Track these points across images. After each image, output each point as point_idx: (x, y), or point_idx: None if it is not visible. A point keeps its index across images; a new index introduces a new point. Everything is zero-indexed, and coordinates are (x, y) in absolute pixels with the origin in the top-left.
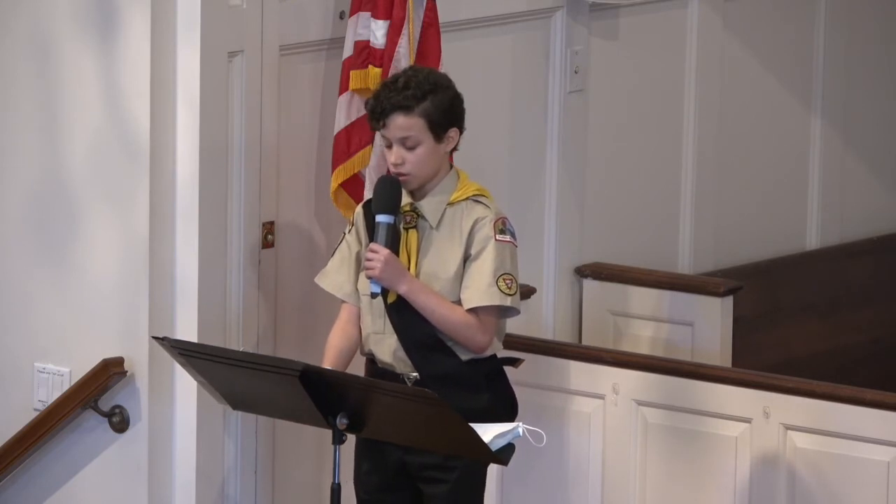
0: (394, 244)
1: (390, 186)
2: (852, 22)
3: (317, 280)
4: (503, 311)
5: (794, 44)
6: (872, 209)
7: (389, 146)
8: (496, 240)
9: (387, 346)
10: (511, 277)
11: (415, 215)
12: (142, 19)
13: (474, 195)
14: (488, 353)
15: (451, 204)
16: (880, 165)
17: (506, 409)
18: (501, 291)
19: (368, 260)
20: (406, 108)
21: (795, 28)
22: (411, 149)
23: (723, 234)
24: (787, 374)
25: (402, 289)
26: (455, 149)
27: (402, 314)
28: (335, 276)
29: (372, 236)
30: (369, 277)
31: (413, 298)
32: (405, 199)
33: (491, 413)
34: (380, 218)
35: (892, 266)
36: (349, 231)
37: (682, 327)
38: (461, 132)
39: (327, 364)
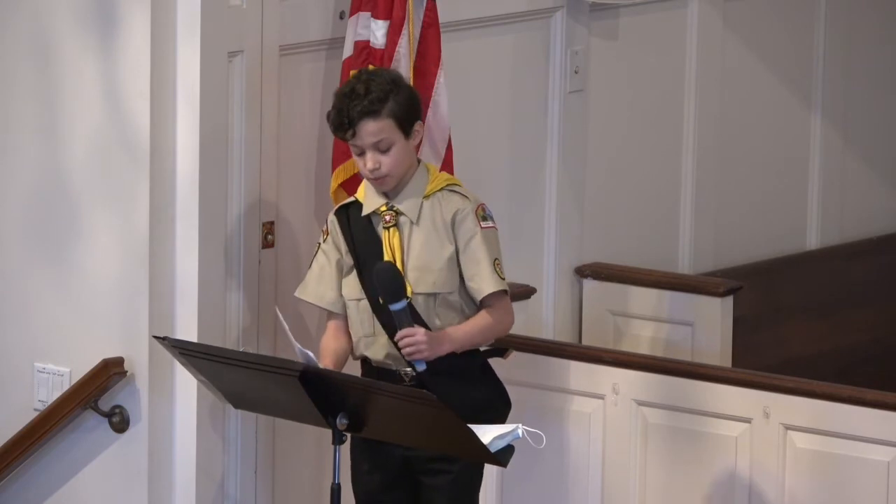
0: (414, 319)
1: (389, 274)
2: (852, 22)
3: (297, 293)
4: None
5: (794, 44)
6: (872, 209)
7: (361, 153)
8: (482, 228)
9: (379, 347)
10: (499, 261)
11: (394, 214)
12: (142, 19)
13: (448, 185)
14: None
15: (426, 197)
16: (880, 165)
17: (503, 401)
18: (499, 276)
19: (409, 346)
20: (374, 113)
21: (795, 28)
22: (385, 151)
23: (723, 234)
24: (787, 374)
25: (447, 347)
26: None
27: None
28: (315, 287)
29: (350, 241)
30: (416, 360)
31: (457, 344)
32: (381, 200)
33: (490, 405)
34: (393, 307)
35: (892, 266)
36: (324, 241)
37: (682, 327)
38: (423, 123)
39: (324, 365)
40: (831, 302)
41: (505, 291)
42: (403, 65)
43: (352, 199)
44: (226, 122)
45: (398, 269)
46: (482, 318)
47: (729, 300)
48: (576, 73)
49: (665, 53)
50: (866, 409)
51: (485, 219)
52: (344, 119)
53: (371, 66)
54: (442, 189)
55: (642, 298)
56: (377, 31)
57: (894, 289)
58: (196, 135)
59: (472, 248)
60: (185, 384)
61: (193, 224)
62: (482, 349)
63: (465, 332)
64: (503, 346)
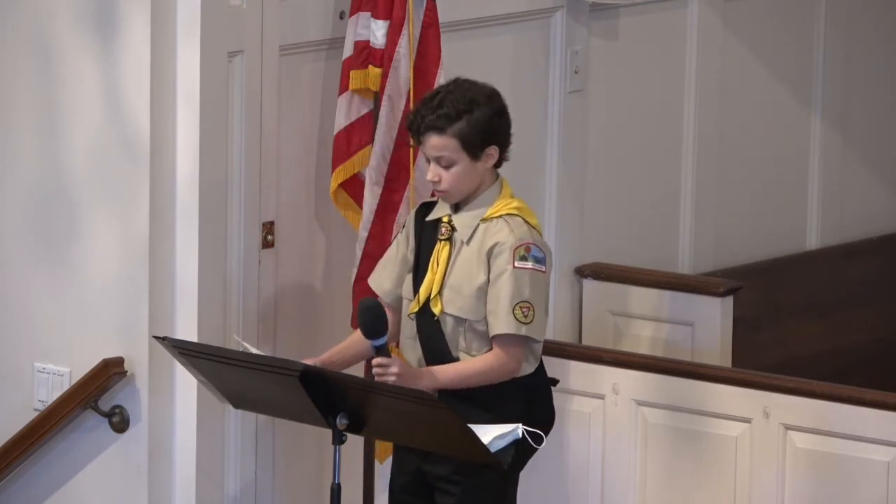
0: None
1: (368, 313)
2: (852, 22)
3: (368, 280)
4: (526, 338)
5: (794, 44)
6: (872, 209)
7: (429, 161)
8: (514, 267)
9: (416, 354)
10: (528, 305)
11: (450, 228)
12: (142, 19)
13: (508, 214)
14: (520, 374)
15: (484, 220)
16: (880, 165)
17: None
18: (517, 320)
19: (379, 376)
20: (439, 129)
21: (795, 28)
22: (447, 167)
23: (723, 234)
24: (787, 374)
25: (425, 384)
26: (502, 160)
27: (423, 323)
28: (378, 274)
29: (418, 240)
30: None
31: (441, 385)
32: (444, 211)
33: None
34: (374, 343)
35: (892, 266)
36: (401, 231)
37: (682, 327)
38: (504, 147)
39: (322, 357)
40: (831, 302)
41: (520, 338)
42: (403, 65)
43: (436, 198)
44: (226, 122)
45: (381, 309)
46: (480, 362)
47: (729, 300)
48: (576, 73)
49: (665, 53)
50: (866, 409)
51: (523, 259)
52: (413, 125)
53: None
54: (500, 216)
55: (642, 298)
56: (377, 31)
57: (894, 289)
58: (196, 135)
59: (497, 285)
60: (185, 384)
61: (193, 224)
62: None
63: (454, 372)
64: (552, 377)
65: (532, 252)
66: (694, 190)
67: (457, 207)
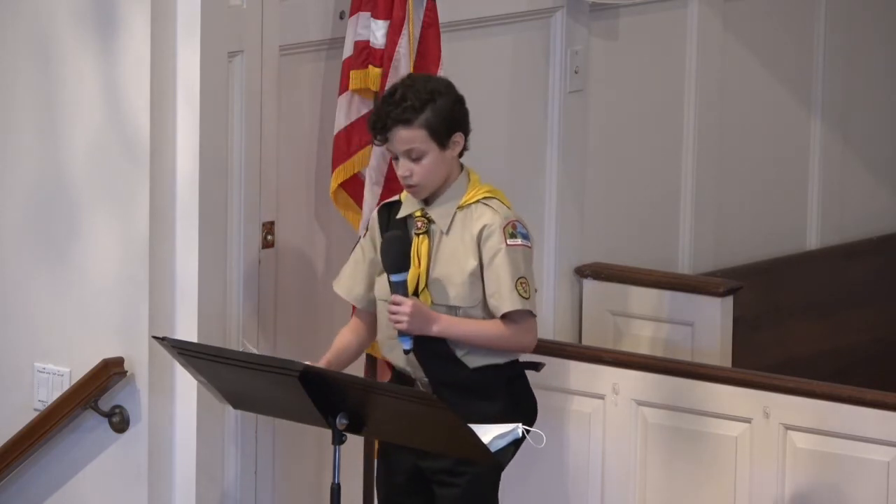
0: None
1: (395, 244)
2: (852, 22)
3: (333, 285)
4: (529, 312)
5: (794, 44)
6: (872, 209)
7: (396, 158)
8: (507, 245)
9: (401, 352)
10: (525, 281)
11: (426, 221)
12: (142, 19)
13: (484, 198)
14: (509, 358)
15: (461, 207)
16: (880, 166)
17: (523, 417)
18: (520, 296)
19: (393, 314)
20: (406, 122)
21: (795, 28)
22: (417, 160)
23: (723, 234)
24: (787, 374)
25: (435, 329)
26: (465, 150)
27: None
28: (346, 280)
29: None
30: (400, 333)
31: (448, 334)
32: (415, 206)
33: (503, 420)
34: (394, 278)
35: (892, 266)
36: (364, 235)
37: (682, 327)
38: (467, 134)
39: (325, 358)
40: (831, 302)
41: (527, 312)
42: (403, 65)
43: (396, 197)
44: (226, 122)
45: (407, 243)
46: (492, 326)
47: (729, 300)
48: (576, 73)
49: (665, 53)
50: (866, 409)
51: (513, 236)
52: (377, 123)
53: (423, 74)
54: (478, 201)
55: (642, 298)
56: (377, 31)
57: (894, 289)
58: (196, 135)
59: (494, 266)
60: (185, 384)
61: (193, 224)
62: (504, 361)
63: (464, 326)
64: (537, 361)
65: (518, 229)
66: (694, 190)
67: (426, 202)
